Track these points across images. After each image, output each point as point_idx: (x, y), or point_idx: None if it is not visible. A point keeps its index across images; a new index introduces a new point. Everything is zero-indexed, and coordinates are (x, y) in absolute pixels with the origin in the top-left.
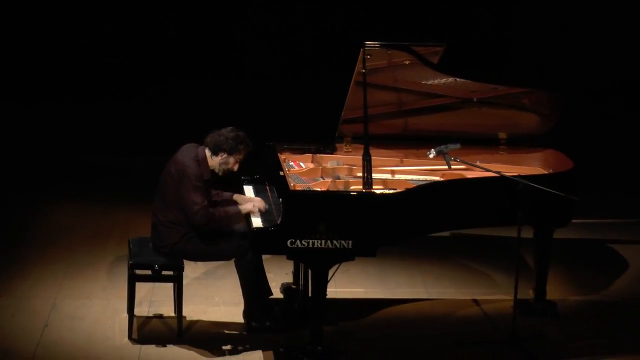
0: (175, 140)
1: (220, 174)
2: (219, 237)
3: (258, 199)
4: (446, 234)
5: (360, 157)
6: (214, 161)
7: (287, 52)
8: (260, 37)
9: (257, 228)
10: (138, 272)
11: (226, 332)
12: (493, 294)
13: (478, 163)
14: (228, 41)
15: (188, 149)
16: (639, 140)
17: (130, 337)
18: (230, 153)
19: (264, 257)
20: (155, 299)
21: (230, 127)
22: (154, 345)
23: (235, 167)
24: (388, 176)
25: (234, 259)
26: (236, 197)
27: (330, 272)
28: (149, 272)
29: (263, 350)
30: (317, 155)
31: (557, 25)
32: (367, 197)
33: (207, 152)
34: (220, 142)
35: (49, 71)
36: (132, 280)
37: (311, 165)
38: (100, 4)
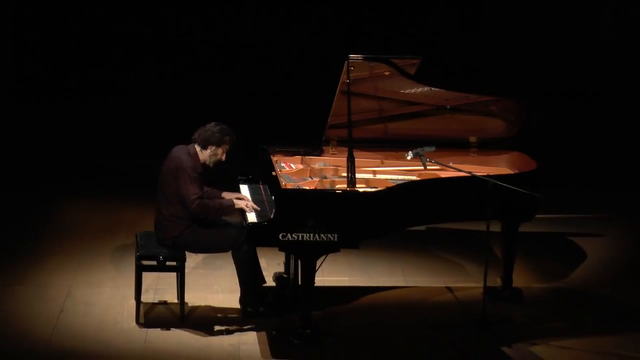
0: (173, 143)
1: (211, 165)
2: (217, 231)
3: (250, 199)
4: (422, 227)
5: (345, 158)
6: (204, 154)
7: (279, 64)
8: (255, 50)
9: (252, 223)
10: (144, 262)
11: (224, 316)
12: (464, 282)
13: (451, 164)
14: (225, 50)
15: (179, 148)
16: (596, 140)
17: (137, 322)
18: (218, 145)
19: (258, 248)
20: (160, 287)
21: (214, 122)
22: (159, 329)
23: (224, 157)
24: (370, 176)
25: (231, 250)
26: (225, 194)
27: (318, 263)
28: (154, 262)
29: (257, 333)
30: (306, 157)
31: (522, 34)
32: (351, 195)
33: (197, 148)
34: (207, 136)
35: (71, 77)
36: (139, 270)
37: (300, 166)
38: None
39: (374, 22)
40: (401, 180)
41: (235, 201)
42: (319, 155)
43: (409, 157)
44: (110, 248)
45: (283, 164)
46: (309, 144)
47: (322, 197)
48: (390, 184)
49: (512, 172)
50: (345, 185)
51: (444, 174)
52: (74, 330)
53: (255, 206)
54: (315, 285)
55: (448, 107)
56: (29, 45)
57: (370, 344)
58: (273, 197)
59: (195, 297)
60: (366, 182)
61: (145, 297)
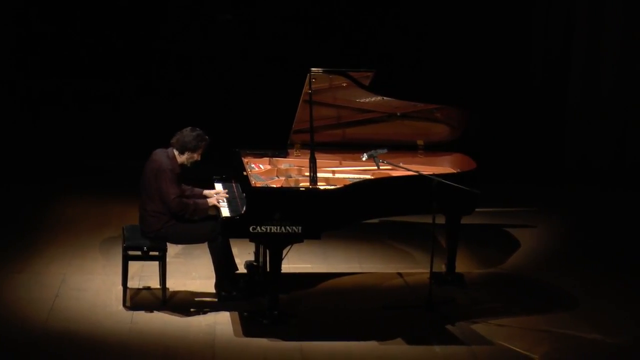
0: (154, 146)
1: (188, 165)
2: (195, 224)
3: (221, 190)
4: (376, 220)
5: (308, 160)
6: (182, 158)
7: (249, 75)
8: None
9: (226, 217)
10: (130, 252)
11: (201, 300)
12: (413, 268)
13: (401, 164)
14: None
15: (160, 152)
16: (526, 141)
17: (124, 305)
18: (194, 150)
19: (231, 240)
20: (144, 274)
21: (190, 127)
22: (143, 311)
23: (199, 158)
24: (330, 175)
25: (207, 242)
26: (205, 192)
27: (284, 252)
28: (139, 252)
29: (231, 314)
30: (273, 158)
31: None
32: (313, 192)
33: (175, 152)
34: (185, 142)
35: (66, 89)
36: (126, 259)
37: (268, 167)
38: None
39: (336, 33)
40: (357, 178)
41: (209, 200)
42: (285, 157)
43: (364, 159)
44: (100, 240)
45: (253, 165)
46: (276, 147)
47: (288, 194)
48: (348, 182)
49: (455, 171)
50: (308, 184)
51: (395, 173)
52: (68, 313)
53: (225, 195)
54: (281, 271)
55: (398, 114)
56: (33, 60)
57: (330, 322)
58: (244, 194)
59: (175, 283)
60: (326, 180)
61: (131, 283)
